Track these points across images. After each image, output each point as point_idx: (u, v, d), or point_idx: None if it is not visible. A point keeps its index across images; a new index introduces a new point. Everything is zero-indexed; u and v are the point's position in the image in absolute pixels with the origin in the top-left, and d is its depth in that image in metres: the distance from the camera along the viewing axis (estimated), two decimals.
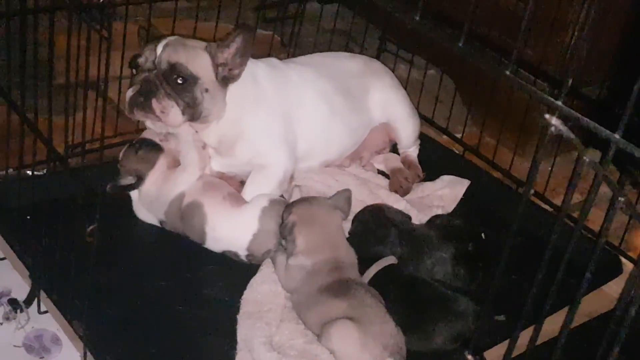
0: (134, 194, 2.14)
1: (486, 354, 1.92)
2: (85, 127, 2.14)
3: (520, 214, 1.16)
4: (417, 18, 1.07)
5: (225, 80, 2.08)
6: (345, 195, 2.03)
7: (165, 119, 2.01)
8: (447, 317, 1.87)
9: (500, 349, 1.95)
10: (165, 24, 2.65)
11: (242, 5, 2.67)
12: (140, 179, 2.09)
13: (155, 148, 2.12)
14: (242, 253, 2.03)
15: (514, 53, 1.05)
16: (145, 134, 2.17)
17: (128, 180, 2.10)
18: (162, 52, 2.02)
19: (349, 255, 1.96)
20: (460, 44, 1.06)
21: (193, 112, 2.03)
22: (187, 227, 2.07)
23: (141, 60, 2.03)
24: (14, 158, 2.12)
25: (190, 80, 2.01)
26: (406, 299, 1.91)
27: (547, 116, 1.02)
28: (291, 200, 2.14)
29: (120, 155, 2.14)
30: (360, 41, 3.00)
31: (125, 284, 1.96)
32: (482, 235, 2.13)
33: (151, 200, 2.11)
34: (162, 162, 2.11)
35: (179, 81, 2.00)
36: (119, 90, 2.44)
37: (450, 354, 1.88)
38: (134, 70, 2.06)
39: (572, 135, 1.00)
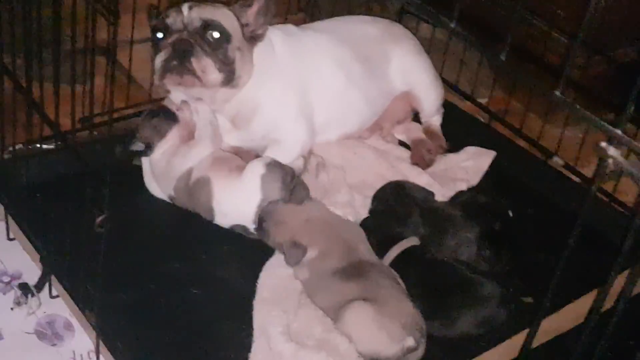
0: (145, 165, 2.08)
1: (513, 339, 1.86)
2: (93, 98, 2.06)
3: (584, 210, 1.03)
4: (453, 25, 0.97)
5: (252, 41, 2.01)
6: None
7: (206, 79, 1.92)
8: (471, 302, 1.80)
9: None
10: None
11: None
12: (148, 147, 2.02)
13: (170, 118, 2.04)
14: (251, 226, 1.96)
15: (563, 74, 0.94)
16: (165, 101, 2.10)
17: (138, 146, 2.03)
18: (191, 11, 1.93)
19: (354, 234, 1.89)
20: (503, 58, 0.96)
21: (229, 71, 1.95)
22: (196, 204, 2.00)
23: (169, 20, 1.93)
24: (22, 133, 2.05)
25: (225, 37, 1.93)
26: (428, 282, 1.84)
27: (603, 144, 0.90)
28: (311, 170, 2.07)
29: (140, 118, 2.07)
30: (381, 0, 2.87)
31: (137, 267, 1.90)
32: (509, 212, 2.05)
33: (161, 172, 2.04)
34: (174, 134, 2.04)
35: (215, 36, 1.92)
36: (130, 57, 2.35)
37: (474, 339, 1.81)
38: (158, 36, 1.95)
39: (633, 170, 0.88)
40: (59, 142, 1.86)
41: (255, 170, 1.96)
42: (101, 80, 2.11)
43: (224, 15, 1.96)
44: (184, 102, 2.05)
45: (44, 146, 2.12)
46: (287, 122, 2.09)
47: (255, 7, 1.99)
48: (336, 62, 2.19)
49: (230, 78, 1.96)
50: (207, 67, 1.90)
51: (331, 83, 2.17)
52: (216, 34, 1.91)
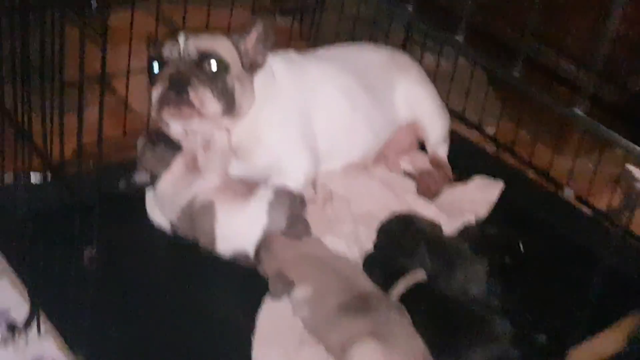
0: (148, 193, 2.01)
1: None
2: (82, 125, 1.99)
3: (611, 251, 0.95)
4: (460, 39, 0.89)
5: (251, 70, 1.95)
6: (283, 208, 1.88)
7: (204, 110, 1.86)
8: (482, 341, 1.71)
9: None
10: (174, 13, 2.48)
11: None
12: (154, 178, 1.96)
13: (172, 146, 1.98)
14: (252, 253, 1.88)
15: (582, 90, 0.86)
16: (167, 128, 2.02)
17: (143, 178, 1.96)
18: (187, 41, 1.88)
19: (351, 268, 1.82)
20: (516, 74, 0.88)
21: (228, 102, 1.88)
22: (198, 229, 1.92)
23: (165, 52, 1.88)
24: (10, 163, 1.98)
25: (223, 67, 1.88)
26: (437, 319, 1.75)
27: (630, 168, 0.82)
28: (317, 201, 2.01)
29: (138, 146, 2.00)
30: (385, 28, 2.80)
31: (130, 301, 1.81)
32: (520, 245, 1.96)
33: (166, 201, 1.97)
34: (179, 162, 1.97)
35: (213, 68, 1.86)
36: (127, 86, 2.29)
37: None
38: (155, 69, 1.89)
39: None
40: (50, 173, 1.77)
41: (264, 194, 1.90)
42: (95, 109, 2.05)
43: (221, 45, 1.91)
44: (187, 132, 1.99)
45: (33, 178, 2.04)
46: (290, 153, 2.02)
47: (254, 35, 1.93)
48: (340, 90, 2.13)
49: (230, 108, 1.89)
50: (205, 97, 1.84)
51: (335, 111, 2.11)
52: (214, 65, 1.86)
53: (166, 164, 1.96)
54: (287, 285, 1.77)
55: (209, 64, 1.85)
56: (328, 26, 2.85)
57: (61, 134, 1.69)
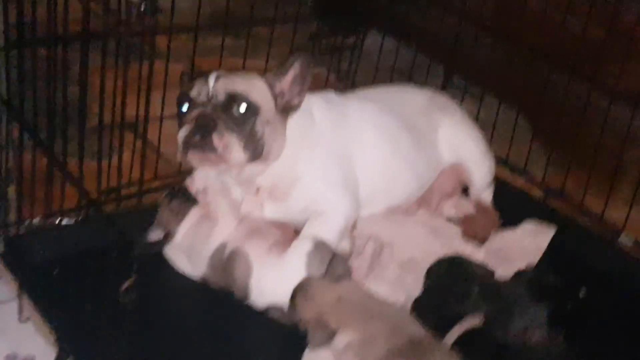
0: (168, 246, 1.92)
1: None
2: (122, 169, 1.92)
3: None
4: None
5: (285, 111, 1.84)
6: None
7: (228, 157, 1.75)
8: None
9: None
10: (210, 64, 2.43)
11: (294, 35, 2.41)
12: (168, 235, 1.88)
13: (188, 200, 1.90)
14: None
15: None
16: (188, 182, 1.94)
17: (157, 234, 1.88)
18: (216, 82, 1.78)
19: (396, 313, 1.70)
20: None
21: (255, 148, 1.78)
22: (230, 279, 1.82)
23: (193, 93, 1.79)
24: (40, 206, 1.90)
25: (252, 111, 1.77)
26: None
27: None
28: (366, 259, 1.89)
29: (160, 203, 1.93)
30: (422, 80, 2.74)
31: (162, 346, 1.70)
32: (581, 292, 1.83)
33: (187, 252, 1.88)
34: (193, 214, 1.89)
35: (241, 111, 1.76)
36: (159, 132, 2.21)
37: None
38: (183, 109, 1.81)
39: None
40: (89, 211, 1.68)
41: (303, 247, 1.79)
42: (128, 155, 1.98)
43: (252, 87, 1.80)
44: (205, 188, 1.91)
45: (64, 221, 1.95)
46: (329, 194, 1.91)
47: (290, 76, 1.82)
48: (381, 131, 2.03)
49: (257, 154, 1.79)
50: (230, 144, 1.74)
51: (376, 153, 2.01)
52: (242, 109, 1.75)
53: (181, 217, 1.88)
54: (328, 333, 1.64)
55: (237, 108, 1.76)
56: (364, 76, 2.79)
57: (99, 171, 1.61)
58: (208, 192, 1.89)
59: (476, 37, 2.51)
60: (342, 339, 1.64)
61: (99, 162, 1.86)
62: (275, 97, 1.82)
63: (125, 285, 1.35)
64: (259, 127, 1.78)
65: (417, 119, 2.13)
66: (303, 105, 1.89)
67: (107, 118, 1.85)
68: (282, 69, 1.83)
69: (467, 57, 2.58)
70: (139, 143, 2.35)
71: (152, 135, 2.30)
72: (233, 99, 1.76)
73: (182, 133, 1.76)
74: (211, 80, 1.79)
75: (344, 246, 1.90)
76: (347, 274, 1.77)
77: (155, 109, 2.15)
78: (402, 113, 2.12)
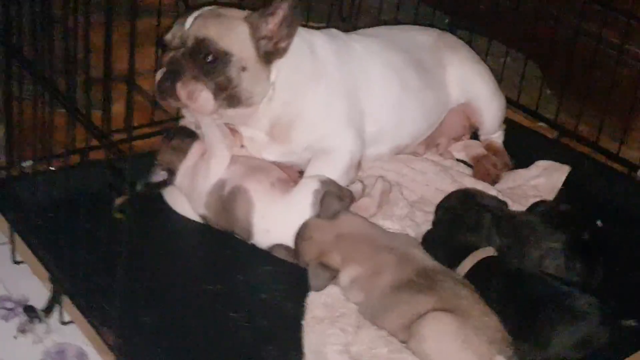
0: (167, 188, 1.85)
1: None
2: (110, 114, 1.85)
3: None
4: None
5: (269, 56, 1.73)
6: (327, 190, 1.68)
7: (194, 106, 1.68)
8: (566, 319, 1.49)
9: None
10: None
11: None
12: (172, 174, 1.80)
13: (189, 136, 1.82)
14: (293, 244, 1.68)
15: None
16: (183, 122, 1.88)
17: (160, 175, 1.80)
18: (191, 26, 1.69)
19: (402, 242, 1.62)
20: None
21: (228, 96, 1.69)
22: (231, 219, 1.74)
23: (168, 37, 1.72)
24: (30, 151, 1.83)
25: (222, 59, 1.67)
26: (513, 297, 1.53)
27: None
28: (375, 196, 1.81)
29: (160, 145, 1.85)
30: None
31: (165, 287, 1.63)
32: (599, 222, 1.75)
33: (187, 192, 1.80)
34: (195, 150, 1.81)
35: (208, 59, 1.67)
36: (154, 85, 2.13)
37: None
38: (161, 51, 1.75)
39: None
40: (104, 146, 1.59)
41: (310, 185, 1.71)
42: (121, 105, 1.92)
43: (228, 31, 1.70)
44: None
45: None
46: (333, 131, 1.83)
47: (278, 17, 1.71)
48: (388, 66, 1.95)
49: (234, 102, 1.71)
50: (193, 92, 1.66)
51: (383, 89, 1.93)
52: (209, 58, 1.67)
53: (183, 155, 1.80)
54: (330, 274, 1.56)
55: (205, 55, 1.66)
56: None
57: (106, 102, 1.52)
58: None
59: None
60: (346, 275, 1.57)
61: (105, 109, 1.79)
62: (257, 40, 1.72)
63: (119, 201, 1.27)
64: (232, 74, 1.69)
65: (424, 56, 2.05)
66: (304, 41, 1.81)
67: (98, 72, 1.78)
68: (269, 9, 1.72)
69: (472, 3, 2.50)
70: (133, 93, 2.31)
71: (145, 86, 2.25)
72: (201, 45, 1.67)
73: (157, 77, 1.70)
74: (188, 21, 1.71)
75: (355, 188, 1.83)
76: (344, 207, 1.67)
77: (147, 63, 2.09)
78: (409, 50, 2.03)
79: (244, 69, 1.70)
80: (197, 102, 1.67)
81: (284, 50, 1.75)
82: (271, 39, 1.73)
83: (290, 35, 1.74)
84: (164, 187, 1.82)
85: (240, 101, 1.72)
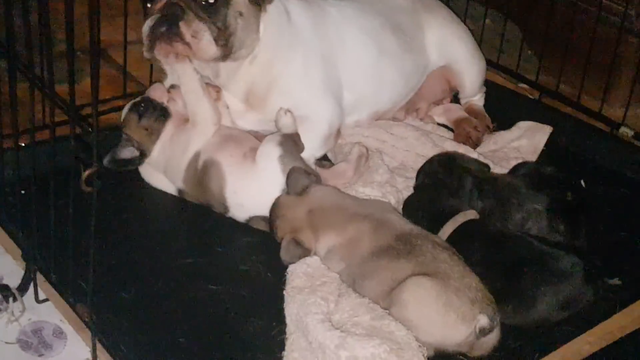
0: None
1: (600, 326, 1.52)
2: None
3: None
4: None
5: (259, 2, 1.71)
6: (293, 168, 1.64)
7: (197, 47, 1.62)
8: (550, 279, 1.47)
9: (618, 320, 1.55)
10: None
11: None
12: (142, 154, 1.75)
13: (161, 116, 1.76)
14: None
15: None
16: (151, 91, 1.80)
17: (129, 151, 1.75)
18: None
19: (376, 207, 1.59)
20: None
21: (226, 41, 1.65)
22: (206, 192, 1.71)
23: None
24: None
25: (222, 1, 1.63)
26: (496, 259, 1.51)
27: None
28: (352, 161, 1.77)
29: (122, 115, 1.78)
30: None
31: (142, 261, 1.59)
32: (582, 182, 1.73)
33: (165, 167, 1.76)
34: (169, 129, 1.76)
35: (210, 0, 1.62)
36: (125, 55, 2.07)
37: (557, 325, 1.48)
38: (147, 4, 1.68)
39: None
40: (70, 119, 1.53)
41: (271, 151, 1.67)
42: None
43: None
44: (173, 87, 1.78)
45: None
46: (310, 99, 1.80)
47: None
48: (364, 31, 1.91)
49: (229, 49, 1.66)
50: (199, 32, 1.61)
51: (360, 54, 1.89)
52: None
53: (155, 136, 1.75)
54: (301, 250, 1.54)
55: None
56: None
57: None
58: (177, 95, 1.77)
59: None
60: (323, 245, 1.55)
61: (70, 82, 1.73)
62: None
63: (87, 173, 1.22)
64: (231, 18, 1.65)
65: (401, 18, 2.01)
66: (279, 7, 1.77)
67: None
68: None
69: None
70: (105, 67, 2.25)
71: (118, 59, 2.20)
72: None
73: (147, 25, 1.63)
74: None
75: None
76: (312, 181, 1.63)
77: (119, 35, 2.03)
78: (386, 13, 2.00)
79: (240, 14, 1.67)
80: (202, 42, 1.62)
81: None
82: None
83: None
84: (132, 166, 1.77)
85: (232, 50, 1.68)
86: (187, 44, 1.61)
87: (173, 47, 1.62)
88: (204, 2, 1.61)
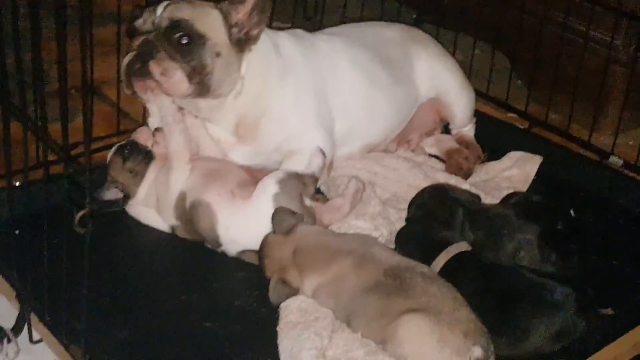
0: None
1: (594, 357, 1.52)
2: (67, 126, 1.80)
3: None
4: None
5: (241, 44, 1.71)
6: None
7: (167, 85, 1.63)
8: (543, 310, 1.47)
9: (612, 350, 1.55)
10: None
11: None
12: (127, 197, 1.77)
13: (145, 159, 1.78)
14: None
15: None
16: (137, 134, 1.82)
17: (113, 193, 1.77)
18: (164, 10, 1.67)
19: (360, 242, 1.59)
20: None
21: (201, 81, 1.66)
22: (197, 230, 1.72)
23: (138, 22, 1.68)
24: None
25: (197, 41, 1.65)
26: (488, 291, 1.52)
27: None
28: (348, 196, 1.78)
29: (108, 157, 1.81)
30: None
31: (136, 300, 1.60)
32: (572, 212, 1.74)
33: (155, 206, 1.78)
34: (152, 170, 1.78)
35: (183, 41, 1.64)
36: (118, 92, 2.09)
37: (550, 356, 1.48)
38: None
39: None
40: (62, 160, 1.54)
41: (267, 188, 1.68)
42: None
43: (201, 15, 1.68)
44: (157, 130, 1.79)
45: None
46: (302, 131, 1.80)
47: (248, 5, 1.70)
48: (355, 64, 1.93)
49: (205, 88, 1.67)
50: (169, 70, 1.62)
51: (351, 87, 1.91)
52: (184, 39, 1.64)
53: (140, 178, 1.77)
54: (289, 290, 1.55)
55: (181, 35, 1.64)
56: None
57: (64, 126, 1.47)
58: (160, 137, 1.78)
59: None
60: (308, 286, 1.55)
61: (63, 122, 1.73)
62: (230, 27, 1.70)
63: (79, 214, 1.23)
64: (206, 58, 1.66)
65: (391, 51, 2.03)
66: (269, 41, 1.79)
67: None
68: None
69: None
70: (99, 103, 2.27)
71: (112, 96, 2.21)
72: (176, 25, 1.65)
73: (125, 61, 1.66)
74: (159, 8, 1.68)
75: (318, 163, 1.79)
76: (299, 220, 1.63)
77: (112, 72, 2.05)
78: (375, 46, 2.01)
79: (218, 54, 1.68)
80: (172, 79, 1.63)
81: (256, 38, 1.73)
82: (242, 27, 1.71)
83: (260, 23, 1.72)
84: (116, 207, 1.78)
85: (209, 89, 1.68)
86: (158, 82, 1.62)
87: (146, 84, 1.64)
88: (177, 42, 1.63)
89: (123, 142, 1.82)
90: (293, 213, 1.63)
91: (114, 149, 1.81)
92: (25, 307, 1.54)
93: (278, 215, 1.62)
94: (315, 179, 1.73)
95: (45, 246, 1.43)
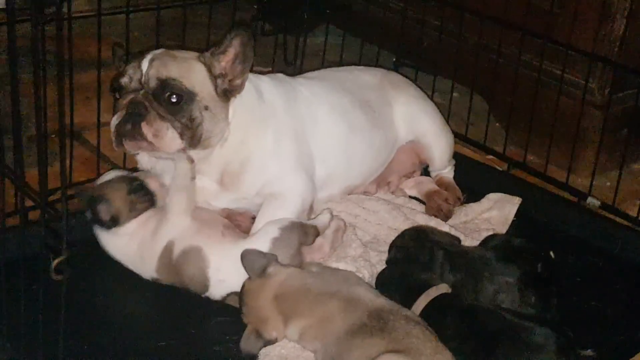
0: (107, 241, 1.79)
1: None
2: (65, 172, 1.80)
3: None
4: None
5: (227, 94, 1.73)
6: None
7: (160, 145, 1.65)
8: (523, 352, 1.48)
9: None
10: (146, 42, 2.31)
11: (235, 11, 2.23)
12: (115, 221, 1.74)
13: (148, 200, 1.78)
14: None
15: None
16: (148, 179, 1.81)
17: (104, 214, 1.74)
18: (149, 67, 1.68)
19: (341, 281, 1.58)
20: None
21: (192, 135, 1.68)
22: (185, 278, 1.70)
23: (124, 80, 1.69)
24: None
25: (186, 98, 1.67)
26: (469, 334, 1.52)
27: None
28: (329, 236, 1.80)
29: (110, 176, 1.79)
30: None
31: (114, 346, 1.58)
32: (551, 254, 1.75)
33: (136, 255, 1.75)
34: (146, 216, 1.77)
35: (173, 100, 1.66)
36: (98, 135, 2.09)
37: None
38: (116, 95, 1.72)
39: None
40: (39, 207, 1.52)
41: (269, 232, 1.69)
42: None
43: (188, 71, 1.70)
44: (163, 186, 1.80)
45: None
46: (283, 173, 1.82)
47: (230, 55, 1.72)
48: (334, 108, 1.95)
49: (196, 141, 1.69)
50: (160, 130, 1.65)
51: (331, 131, 1.92)
52: (174, 98, 1.66)
53: (135, 213, 1.76)
54: (262, 343, 1.54)
55: (170, 95, 1.66)
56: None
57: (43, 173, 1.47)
58: (161, 196, 1.79)
59: (423, 14, 2.44)
60: (294, 331, 1.54)
61: (40, 169, 1.73)
62: (215, 79, 1.72)
63: (56, 262, 1.22)
64: (196, 113, 1.68)
65: (370, 95, 2.06)
66: (250, 86, 1.80)
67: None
68: (220, 47, 1.72)
69: (416, 40, 2.52)
70: (79, 149, 2.26)
71: (93, 140, 2.21)
72: (165, 85, 1.67)
73: (114, 121, 1.67)
74: (144, 64, 1.69)
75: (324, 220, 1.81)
76: (271, 260, 1.61)
77: (92, 117, 2.05)
78: (355, 90, 2.04)
79: (206, 108, 1.70)
80: (164, 140, 1.65)
81: (240, 87, 1.75)
82: (226, 76, 1.73)
83: (244, 72, 1.74)
84: (100, 225, 1.75)
85: (199, 141, 1.70)
86: (151, 143, 1.64)
87: (138, 145, 1.66)
88: (167, 101, 1.65)
89: (132, 174, 1.81)
90: (263, 254, 1.62)
91: (120, 172, 1.81)
92: (2, 356, 1.51)
93: (247, 257, 1.61)
94: (316, 229, 1.74)
95: (22, 293, 1.41)
